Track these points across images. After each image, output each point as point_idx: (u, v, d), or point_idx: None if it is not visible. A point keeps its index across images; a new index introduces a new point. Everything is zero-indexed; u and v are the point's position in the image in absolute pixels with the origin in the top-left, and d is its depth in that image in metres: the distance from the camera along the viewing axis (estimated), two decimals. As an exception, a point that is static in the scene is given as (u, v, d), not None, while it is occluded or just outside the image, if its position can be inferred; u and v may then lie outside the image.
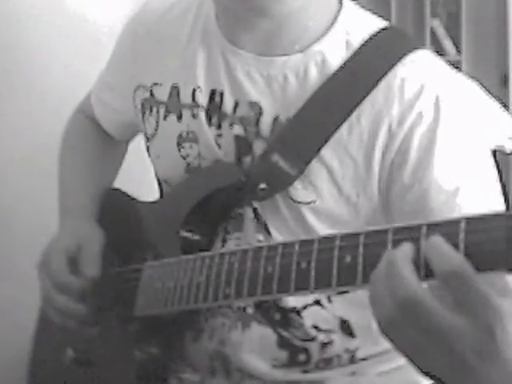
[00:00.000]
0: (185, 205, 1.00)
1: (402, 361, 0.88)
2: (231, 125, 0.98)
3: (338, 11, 0.96)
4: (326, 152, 0.92)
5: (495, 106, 0.98)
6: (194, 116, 1.01)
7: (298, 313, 0.99)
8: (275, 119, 0.95)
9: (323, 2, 0.95)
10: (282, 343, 1.00)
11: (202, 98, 1.00)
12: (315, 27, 0.95)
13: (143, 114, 1.08)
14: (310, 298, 0.99)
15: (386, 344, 0.68)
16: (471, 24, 3.17)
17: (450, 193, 0.87)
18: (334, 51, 0.93)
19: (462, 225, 0.62)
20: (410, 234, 0.65)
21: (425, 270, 0.64)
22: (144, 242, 1.07)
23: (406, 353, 0.66)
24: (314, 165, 0.92)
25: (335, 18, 0.95)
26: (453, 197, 0.86)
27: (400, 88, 0.90)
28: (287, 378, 1.02)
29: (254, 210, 0.97)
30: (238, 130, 0.97)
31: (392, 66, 0.91)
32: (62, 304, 1.04)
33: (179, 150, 1.03)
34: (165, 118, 1.04)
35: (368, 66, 0.92)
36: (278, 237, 0.96)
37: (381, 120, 0.90)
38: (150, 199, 1.13)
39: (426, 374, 0.66)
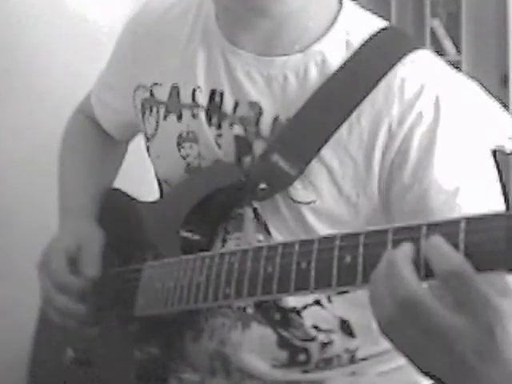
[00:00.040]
0: (185, 205, 1.00)
1: (402, 361, 0.88)
2: (231, 125, 0.98)
3: (338, 11, 0.96)
4: (326, 152, 0.92)
5: (495, 106, 0.98)
6: (194, 116, 1.01)
7: (298, 313, 0.99)
8: (275, 119, 0.95)
9: (323, 2, 0.95)
10: (282, 343, 1.00)
11: (202, 98, 1.00)
12: (315, 27, 0.95)
13: (143, 113, 1.08)
14: (310, 298, 0.99)
15: (386, 344, 0.68)
16: (471, 24, 3.17)
17: (450, 193, 0.87)
18: (334, 51, 0.93)
19: (462, 225, 0.62)
20: (410, 234, 0.65)
21: (425, 269, 0.64)
22: (144, 242, 1.07)
23: (405, 353, 0.66)
24: (314, 165, 0.92)
25: (335, 18, 0.95)
26: (453, 197, 0.86)
27: (400, 88, 0.90)
28: (287, 378, 1.02)
29: (254, 210, 0.97)
30: (238, 130, 0.97)
31: (392, 65, 0.91)
32: (61, 304, 1.04)
33: (179, 150, 1.03)
34: (165, 118, 1.04)
35: (368, 66, 0.92)
36: (277, 237, 0.96)
37: (381, 120, 0.90)
38: (150, 199, 1.13)
39: (426, 374, 0.66)
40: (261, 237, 0.97)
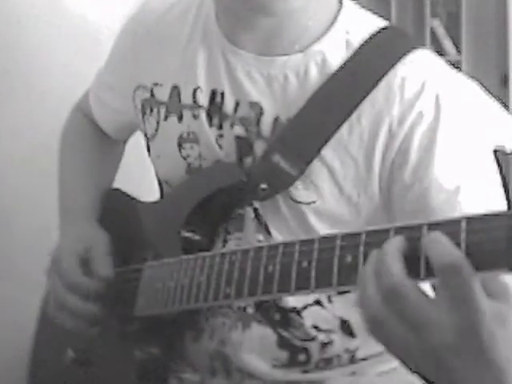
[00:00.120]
0: (186, 205, 1.00)
1: (402, 361, 0.88)
2: (232, 125, 0.98)
3: (338, 11, 0.96)
4: (327, 152, 0.92)
5: (495, 105, 0.98)
6: (195, 116, 1.01)
7: (298, 313, 0.99)
8: (276, 119, 0.95)
9: (323, 2, 0.95)
10: (282, 343, 1.00)
11: (203, 99, 1.00)
12: (315, 27, 0.95)
13: (143, 114, 1.08)
14: (310, 298, 0.99)
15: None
16: (471, 24, 3.17)
17: (451, 192, 0.87)
18: (334, 51, 0.93)
19: (463, 224, 0.62)
20: (411, 233, 0.65)
21: (425, 269, 0.64)
22: (144, 242, 1.07)
23: (395, 352, 0.66)
24: (315, 165, 0.92)
25: (335, 18, 0.95)
26: (454, 196, 0.86)
27: (400, 87, 0.90)
28: (287, 378, 1.02)
29: (255, 210, 0.97)
30: (238, 130, 0.97)
31: (392, 65, 0.91)
32: (73, 304, 1.03)
33: (180, 151, 1.03)
34: (165, 118, 1.04)
35: (368, 66, 0.92)
36: (278, 237, 0.96)
37: (381, 120, 0.90)
38: (150, 199, 1.13)
39: (417, 373, 0.66)
40: (261, 237, 0.97)
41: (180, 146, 1.02)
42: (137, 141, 1.22)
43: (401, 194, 0.90)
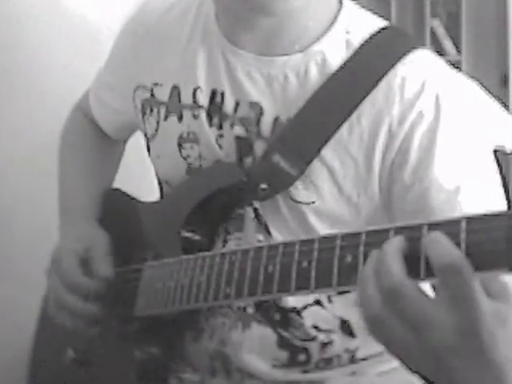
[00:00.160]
0: (186, 205, 1.00)
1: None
2: (232, 125, 0.98)
3: (338, 11, 0.96)
4: (327, 152, 0.92)
5: (495, 105, 0.98)
6: (195, 117, 1.01)
7: (298, 313, 0.99)
8: (276, 119, 0.95)
9: (323, 2, 0.95)
10: (282, 343, 1.00)
11: (203, 99, 1.00)
12: (315, 27, 0.95)
13: (143, 114, 1.08)
14: (310, 298, 0.99)
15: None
16: (471, 24, 3.17)
17: (451, 191, 0.87)
18: (334, 51, 0.93)
19: (463, 224, 0.62)
20: (411, 233, 0.65)
21: (425, 268, 0.64)
22: (144, 242, 1.07)
23: (395, 353, 0.66)
24: (315, 165, 0.92)
25: (335, 18, 0.95)
26: (454, 195, 0.86)
27: (400, 87, 0.90)
28: (287, 378, 1.02)
29: (255, 210, 0.97)
30: (238, 130, 0.97)
31: (392, 65, 0.91)
32: (73, 305, 1.03)
33: (180, 151, 1.03)
34: (165, 118, 1.04)
35: (368, 66, 0.92)
36: (278, 237, 0.96)
37: (381, 120, 0.90)
38: (150, 199, 1.13)
39: (417, 373, 0.66)
40: (261, 237, 0.97)
41: (180, 146, 1.02)
42: (137, 141, 1.22)
43: (401, 194, 0.90)
